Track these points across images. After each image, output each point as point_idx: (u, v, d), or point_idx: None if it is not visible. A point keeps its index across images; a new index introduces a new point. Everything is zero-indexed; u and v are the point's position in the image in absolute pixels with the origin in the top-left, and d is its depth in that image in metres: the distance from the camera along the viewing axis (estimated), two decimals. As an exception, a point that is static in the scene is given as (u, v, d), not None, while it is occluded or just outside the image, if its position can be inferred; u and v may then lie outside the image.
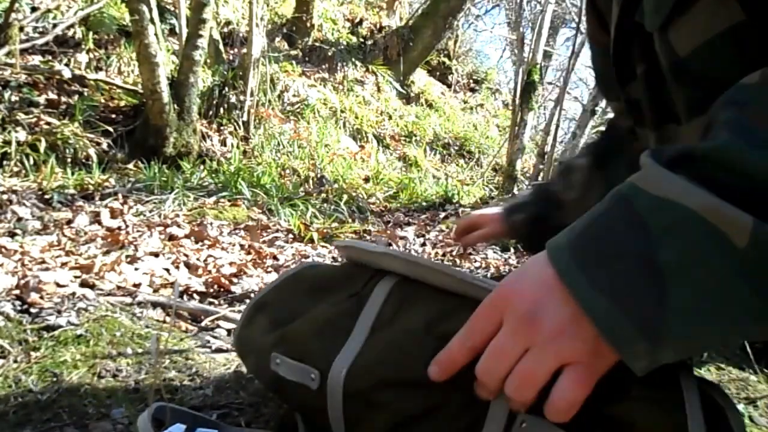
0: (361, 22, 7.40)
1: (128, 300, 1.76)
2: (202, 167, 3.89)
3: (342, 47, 6.81)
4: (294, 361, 0.63)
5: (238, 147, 4.34)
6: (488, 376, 0.43)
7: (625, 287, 0.36)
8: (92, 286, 1.82)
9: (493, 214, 1.11)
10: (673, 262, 0.35)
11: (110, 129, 3.78)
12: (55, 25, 4.25)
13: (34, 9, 4.30)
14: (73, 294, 1.68)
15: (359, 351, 0.58)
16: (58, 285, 1.72)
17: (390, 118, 6.68)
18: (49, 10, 4.37)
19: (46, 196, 2.88)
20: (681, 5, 0.48)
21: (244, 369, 1.38)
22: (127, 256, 2.16)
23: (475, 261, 2.83)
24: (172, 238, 2.54)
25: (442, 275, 0.57)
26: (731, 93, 0.42)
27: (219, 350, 1.55)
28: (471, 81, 9.68)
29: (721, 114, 0.41)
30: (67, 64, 4.13)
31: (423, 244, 3.14)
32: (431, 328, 0.54)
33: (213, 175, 3.74)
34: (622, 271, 0.37)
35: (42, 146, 3.31)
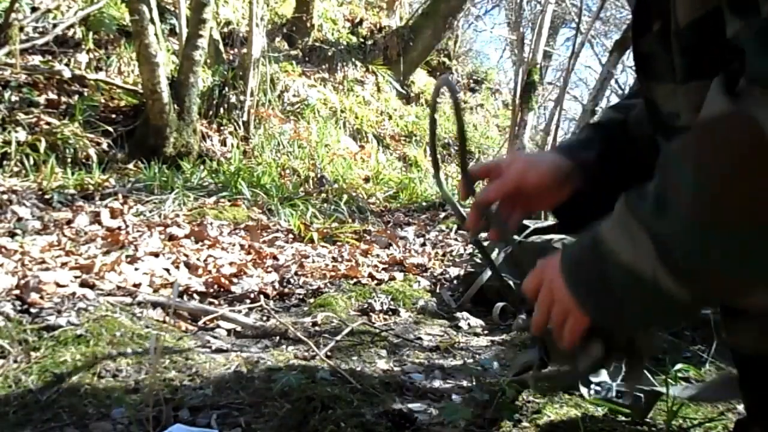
0: (361, 22, 7.40)
1: (128, 300, 1.76)
2: (202, 167, 3.88)
3: (342, 47, 6.80)
4: None
5: (238, 147, 4.34)
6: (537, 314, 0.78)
7: (587, 291, 0.69)
8: (92, 286, 1.81)
9: (530, 160, 0.86)
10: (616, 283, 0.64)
11: (110, 129, 3.78)
12: (55, 25, 4.25)
13: (34, 9, 4.29)
14: (73, 294, 1.67)
15: None
16: (58, 285, 1.72)
17: (390, 118, 6.68)
18: (49, 10, 4.37)
19: (46, 196, 2.87)
20: None
21: (244, 369, 1.38)
22: (127, 256, 2.16)
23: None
24: (172, 238, 2.54)
25: None
26: (663, 155, 0.58)
27: (219, 350, 1.55)
28: (471, 81, 9.69)
29: (656, 173, 0.58)
30: (67, 64, 4.13)
31: (423, 244, 3.14)
32: None
33: (213, 175, 3.74)
34: (586, 281, 0.69)
35: (42, 146, 3.31)
